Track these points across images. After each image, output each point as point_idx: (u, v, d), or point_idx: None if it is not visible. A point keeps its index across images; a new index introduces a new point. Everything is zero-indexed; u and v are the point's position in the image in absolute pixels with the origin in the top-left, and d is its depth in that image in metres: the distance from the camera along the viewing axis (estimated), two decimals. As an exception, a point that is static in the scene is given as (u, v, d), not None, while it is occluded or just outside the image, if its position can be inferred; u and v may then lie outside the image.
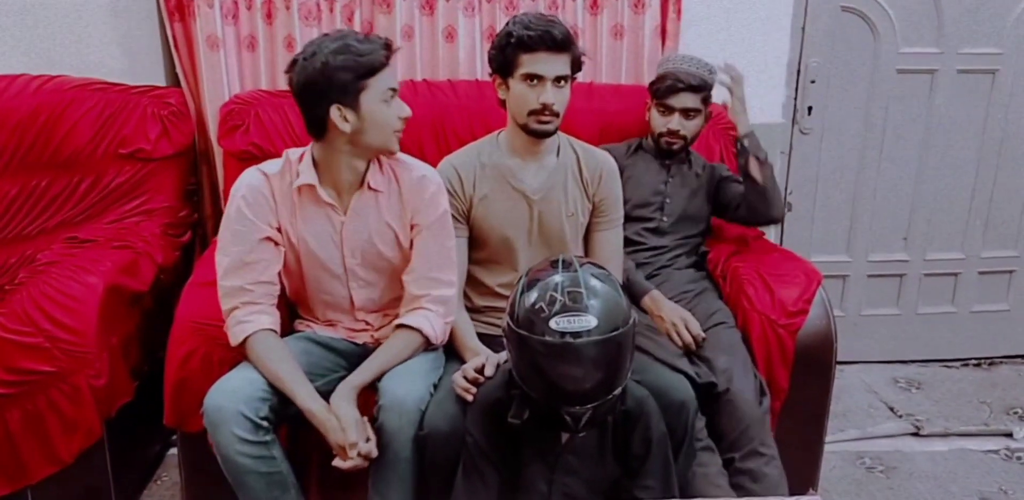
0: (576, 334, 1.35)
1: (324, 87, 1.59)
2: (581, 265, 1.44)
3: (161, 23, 2.35)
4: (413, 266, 1.74)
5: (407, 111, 1.67)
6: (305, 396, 1.58)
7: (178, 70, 2.38)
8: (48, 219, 2.25)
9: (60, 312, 1.78)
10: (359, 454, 1.54)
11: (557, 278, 1.41)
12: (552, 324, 1.36)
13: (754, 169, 2.07)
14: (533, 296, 1.40)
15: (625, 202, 2.01)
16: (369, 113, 1.62)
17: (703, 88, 2.10)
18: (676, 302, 2.01)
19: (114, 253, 2.04)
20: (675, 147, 2.14)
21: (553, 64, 1.74)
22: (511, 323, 1.42)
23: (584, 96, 2.33)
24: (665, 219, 2.16)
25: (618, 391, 1.44)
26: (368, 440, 1.56)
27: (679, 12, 2.43)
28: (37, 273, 1.92)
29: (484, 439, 1.52)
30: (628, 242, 2.07)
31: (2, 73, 2.26)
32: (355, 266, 1.76)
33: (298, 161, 1.71)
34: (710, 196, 2.22)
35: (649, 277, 2.09)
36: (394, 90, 1.65)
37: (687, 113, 2.10)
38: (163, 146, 2.29)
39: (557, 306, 1.37)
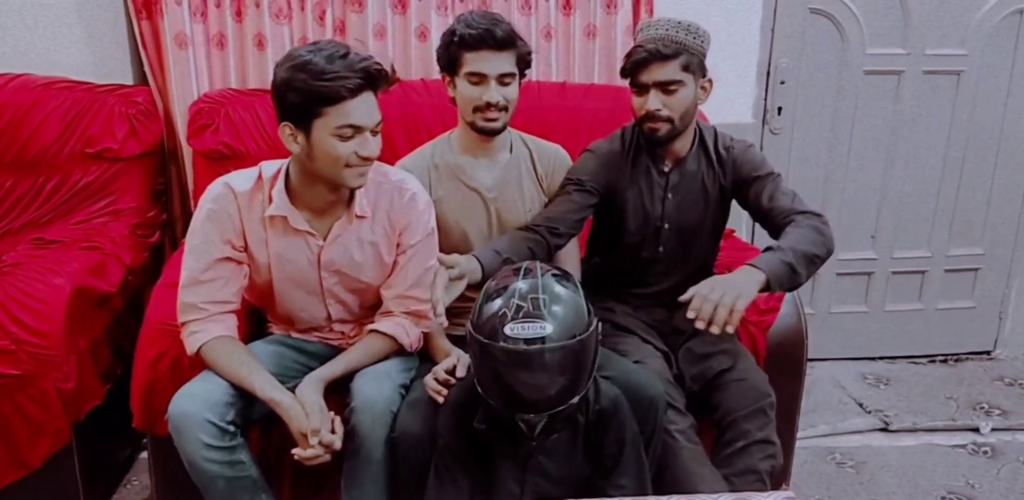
0: (531, 341, 1.34)
1: (277, 102, 1.52)
2: (543, 272, 1.43)
3: (128, 21, 2.32)
4: (393, 282, 1.72)
5: (370, 150, 1.53)
6: (267, 387, 1.54)
7: (146, 68, 2.35)
8: (13, 220, 2.21)
9: (26, 314, 1.76)
10: (321, 443, 1.48)
11: (518, 285, 1.40)
12: (508, 330, 1.35)
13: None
14: (495, 303, 1.39)
15: (608, 226, 1.83)
16: (319, 142, 1.51)
17: (678, 53, 1.69)
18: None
19: (81, 254, 2.01)
20: (659, 133, 1.74)
21: (496, 62, 1.73)
22: (472, 330, 1.41)
23: (557, 95, 2.35)
24: (661, 249, 1.77)
25: (576, 399, 1.43)
26: (333, 432, 1.51)
27: (651, 12, 2.44)
28: (2, 275, 1.88)
29: (455, 441, 1.51)
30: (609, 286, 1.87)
31: (-35, 72, 2.22)
32: (333, 285, 1.71)
33: (272, 181, 1.61)
34: (724, 204, 1.85)
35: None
36: (354, 127, 1.50)
37: (664, 87, 1.69)
38: (131, 145, 2.25)
39: (515, 312, 1.35)
